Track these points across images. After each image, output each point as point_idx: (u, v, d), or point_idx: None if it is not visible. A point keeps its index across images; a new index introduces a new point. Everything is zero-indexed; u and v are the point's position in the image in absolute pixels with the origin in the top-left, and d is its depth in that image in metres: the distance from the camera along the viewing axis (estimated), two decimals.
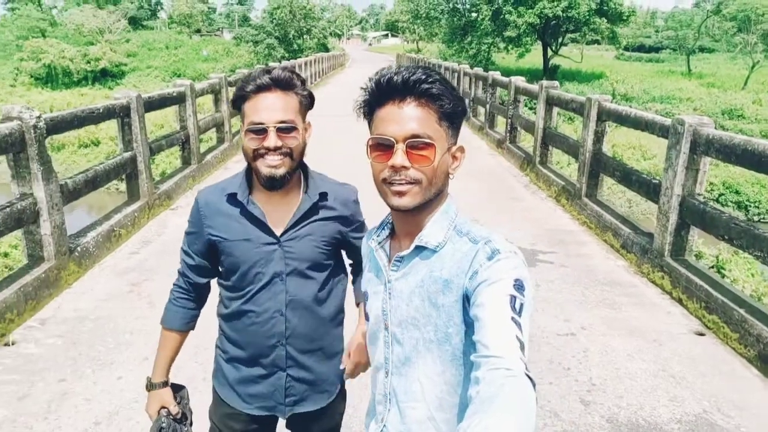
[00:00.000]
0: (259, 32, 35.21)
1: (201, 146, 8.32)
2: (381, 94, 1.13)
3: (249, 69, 14.42)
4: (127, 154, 5.79)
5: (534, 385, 0.89)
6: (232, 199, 1.56)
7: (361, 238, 1.65)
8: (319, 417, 1.71)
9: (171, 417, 1.66)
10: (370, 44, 39.19)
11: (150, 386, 1.69)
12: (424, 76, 1.09)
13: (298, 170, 1.56)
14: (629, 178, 5.63)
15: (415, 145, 1.10)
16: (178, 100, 7.47)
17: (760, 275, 6.66)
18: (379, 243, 1.26)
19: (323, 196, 1.59)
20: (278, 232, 1.55)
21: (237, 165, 9.22)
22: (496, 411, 0.82)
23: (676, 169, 4.52)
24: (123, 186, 10.86)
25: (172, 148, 8.02)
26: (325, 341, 1.67)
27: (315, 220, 1.59)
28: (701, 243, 6.38)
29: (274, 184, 1.49)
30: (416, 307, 1.15)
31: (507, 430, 0.79)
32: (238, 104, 1.50)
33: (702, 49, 48.18)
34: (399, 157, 1.10)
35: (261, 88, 1.45)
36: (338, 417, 1.79)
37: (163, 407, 1.67)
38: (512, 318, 0.97)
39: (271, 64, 16.52)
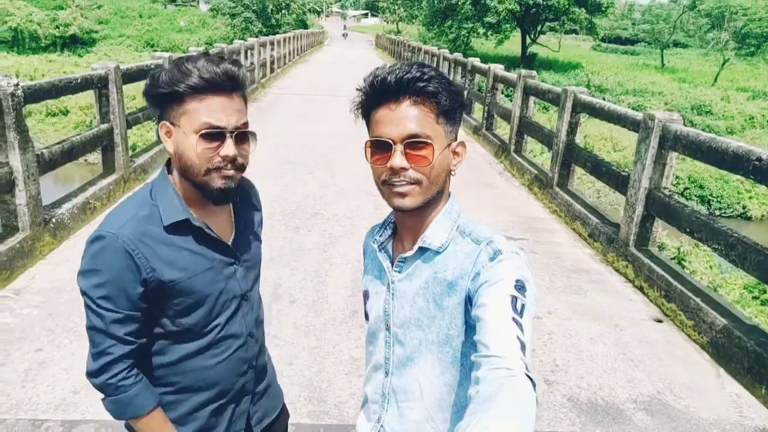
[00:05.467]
0: (237, 5, 34.41)
1: None
2: (375, 96, 1.10)
3: (226, 42, 14.12)
4: (104, 126, 5.72)
5: (534, 386, 0.89)
6: (176, 227, 1.26)
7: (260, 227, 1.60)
8: (277, 420, 1.62)
9: None
10: (345, 34, 37.23)
11: None
12: (418, 74, 1.07)
13: None
14: (600, 169, 5.82)
15: (413, 145, 1.08)
16: None
17: (717, 268, 6.99)
18: (382, 243, 1.25)
19: (242, 192, 1.43)
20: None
21: None
22: (496, 410, 0.82)
23: (644, 163, 4.70)
24: (92, 158, 10.74)
25: (146, 122, 7.90)
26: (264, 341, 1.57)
27: (247, 218, 1.45)
28: (665, 235, 6.65)
29: (227, 198, 1.28)
30: (420, 309, 1.15)
31: (506, 430, 0.79)
32: (169, 98, 1.20)
33: (676, 44, 49.03)
34: (397, 159, 1.08)
35: (214, 86, 1.19)
36: (286, 416, 1.71)
37: None
38: (513, 318, 0.97)
39: (249, 39, 16.24)
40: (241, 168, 1.27)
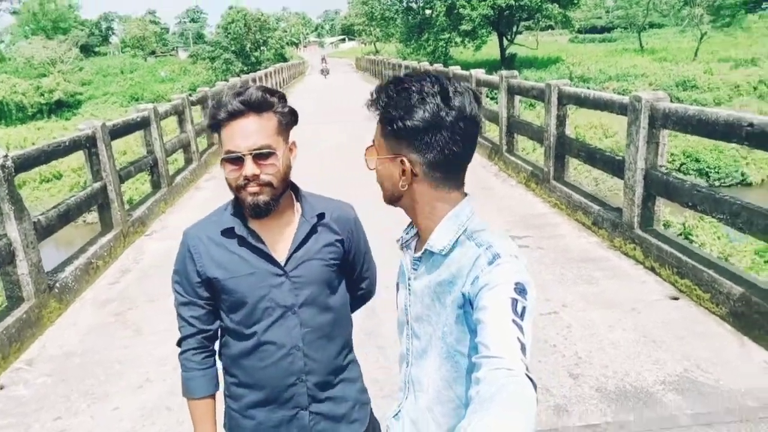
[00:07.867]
0: (215, 48, 34.94)
1: (169, 168, 8.26)
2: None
3: (208, 86, 14.26)
4: (97, 185, 5.73)
5: (535, 387, 0.90)
6: (229, 232, 1.44)
7: (364, 256, 1.63)
8: None
9: None
10: (324, 70, 34.49)
11: None
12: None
13: (288, 192, 1.45)
14: (594, 157, 5.81)
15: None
16: (143, 124, 7.41)
17: (725, 237, 6.94)
18: (407, 241, 1.30)
19: (321, 216, 1.49)
20: (281, 260, 1.45)
21: (208, 183, 9.18)
22: (496, 410, 0.83)
23: (637, 144, 4.69)
24: (89, 217, 10.76)
25: (139, 175, 7.94)
26: (345, 368, 1.57)
27: (317, 242, 1.48)
28: (668, 212, 6.61)
29: (259, 213, 1.39)
30: (427, 306, 1.21)
31: (507, 429, 0.80)
32: (214, 130, 1.41)
33: (652, 25, 49.33)
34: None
35: (233, 115, 1.34)
36: None
37: None
38: (513, 320, 0.98)
39: (232, 79, 16.40)
40: (269, 184, 1.36)
